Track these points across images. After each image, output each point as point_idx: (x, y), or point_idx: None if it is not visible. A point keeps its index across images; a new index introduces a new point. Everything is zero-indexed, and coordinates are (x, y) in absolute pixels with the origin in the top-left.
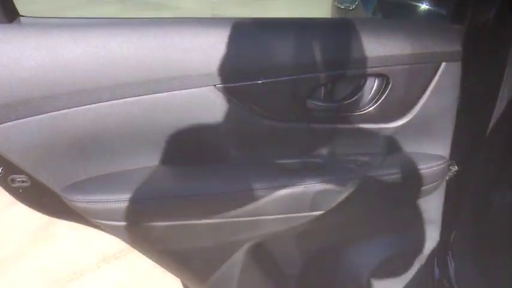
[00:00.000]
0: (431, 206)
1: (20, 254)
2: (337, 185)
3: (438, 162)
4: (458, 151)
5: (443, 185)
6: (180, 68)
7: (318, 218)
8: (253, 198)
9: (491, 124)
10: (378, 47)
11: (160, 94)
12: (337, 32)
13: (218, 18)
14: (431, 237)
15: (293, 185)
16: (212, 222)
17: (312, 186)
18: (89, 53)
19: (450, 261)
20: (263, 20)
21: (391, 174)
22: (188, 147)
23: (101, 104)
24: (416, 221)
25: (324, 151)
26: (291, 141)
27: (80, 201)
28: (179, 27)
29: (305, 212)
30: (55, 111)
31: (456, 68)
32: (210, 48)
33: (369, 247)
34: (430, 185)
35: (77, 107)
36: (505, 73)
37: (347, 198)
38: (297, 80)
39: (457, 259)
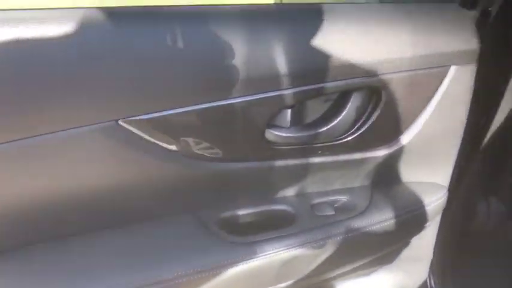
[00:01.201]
0: (424, 243)
1: None
2: (311, 248)
3: (438, 196)
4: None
5: (439, 216)
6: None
7: (289, 286)
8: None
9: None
10: (369, 48)
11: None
12: (307, 25)
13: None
14: (420, 277)
15: (250, 258)
16: None
17: (277, 255)
18: None
19: (430, 278)
20: (195, 9)
21: (381, 221)
22: (86, 212)
23: None
24: (404, 262)
25: (291, 194)
26: (241, 186)
27: None
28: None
29: (270, 285)
30: None
31: (468, 72)
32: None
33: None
34: (428, 223)
35: None
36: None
37: (326, 261)
38: (249, 103)
39: (436, 277)
